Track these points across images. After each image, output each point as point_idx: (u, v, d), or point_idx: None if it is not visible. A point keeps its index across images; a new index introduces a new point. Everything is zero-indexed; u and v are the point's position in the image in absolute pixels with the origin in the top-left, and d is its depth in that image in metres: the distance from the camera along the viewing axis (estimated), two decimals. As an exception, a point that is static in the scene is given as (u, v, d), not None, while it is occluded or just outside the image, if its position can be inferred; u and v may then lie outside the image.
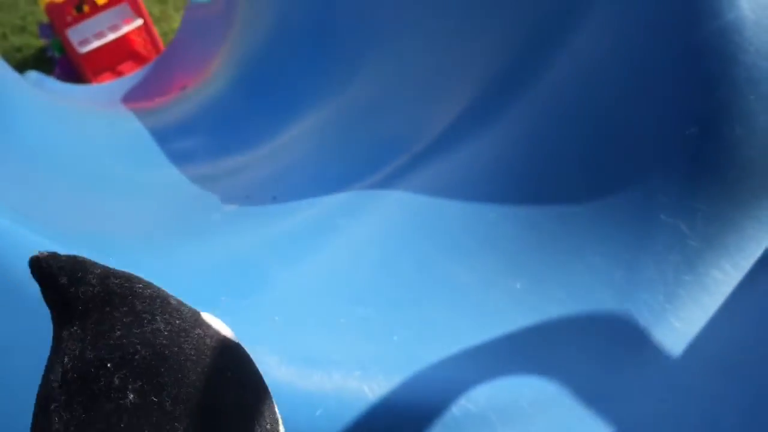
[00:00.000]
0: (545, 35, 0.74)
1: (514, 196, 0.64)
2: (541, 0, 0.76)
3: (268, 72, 1.40)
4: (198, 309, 0.35)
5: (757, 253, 0.56)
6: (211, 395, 0.32)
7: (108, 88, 2.53)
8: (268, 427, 0.35)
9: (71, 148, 1.11)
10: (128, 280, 0.32)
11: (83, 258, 0.32)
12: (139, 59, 3.13)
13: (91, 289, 0.30)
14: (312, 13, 1.39)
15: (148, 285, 0.33)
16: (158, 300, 0.32)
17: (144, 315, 0.31)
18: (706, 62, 0.60)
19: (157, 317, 0.31)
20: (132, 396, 0.28)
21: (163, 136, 1.34)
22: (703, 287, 0.55)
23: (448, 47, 0.90)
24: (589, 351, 0.54)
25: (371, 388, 0.50)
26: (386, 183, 0.74)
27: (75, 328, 0.30)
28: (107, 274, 0.31)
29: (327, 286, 0.60)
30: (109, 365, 0.29)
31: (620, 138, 0.63)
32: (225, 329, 0.37)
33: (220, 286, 0.59)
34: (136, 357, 0.29)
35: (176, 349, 0.31)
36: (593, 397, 0.51)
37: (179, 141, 1.32)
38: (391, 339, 0.55)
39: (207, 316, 0.35)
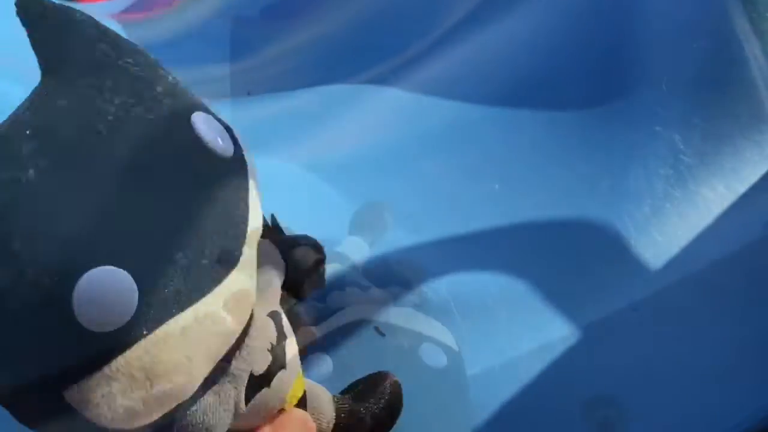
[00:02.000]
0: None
1: (504, 99, 0.60)
2: None
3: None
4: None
5: (753, 178, 0.53)
6: None
7: (102, 6, 2.45)
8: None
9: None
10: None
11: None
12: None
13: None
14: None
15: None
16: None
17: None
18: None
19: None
20: None
21: (149, 45, 1.30)
22: (692, 204, 0.52)
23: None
24: (563, 255, 0.51)
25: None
26: (374, 80, 0.70)
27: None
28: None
29: (293, 165, 0.57)
30: None
31: (624, 47, 0.59)
32: None
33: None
34: None
35: None
36: (561, 300, 0.48)
37: (164, 49, 1.27)
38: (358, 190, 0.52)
39: None
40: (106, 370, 0.22)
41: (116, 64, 0.25)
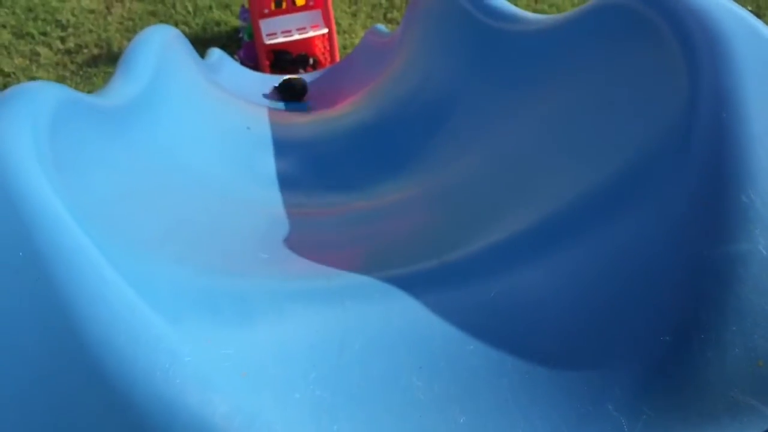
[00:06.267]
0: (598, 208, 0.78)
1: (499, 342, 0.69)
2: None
3: (392, 129, 1.50)
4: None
5: (685, 475, 0.58)
6: None
7: (273, 80, 2.71)
8: None
9: (192, 142, 1.25)
10: None
11: None
12: (315, 63, 3.33)
13: None
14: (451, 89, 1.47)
15: None
16: None
17: None
18: (702, 282, 0.63)
19: None
20: None
21: (282, 152, 1.47)
22: (618, 484, 0.58)
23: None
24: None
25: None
26: (415, 281, 0.80)
27: None
28: None
29: (310, 358, 0.68)
30: None
31: (608, 321, 0.67)
32: None
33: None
34: None
35: None
36: None
37: (292, 164, 1.44)
38: (332, 428, 0.62)
39: None
40: None
41: None
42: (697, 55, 0.73)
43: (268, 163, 1.42)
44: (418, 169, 1.32)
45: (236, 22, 3.53)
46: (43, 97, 0.78)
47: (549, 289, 0.73)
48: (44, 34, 3.42)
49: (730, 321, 0.61)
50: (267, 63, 3.09)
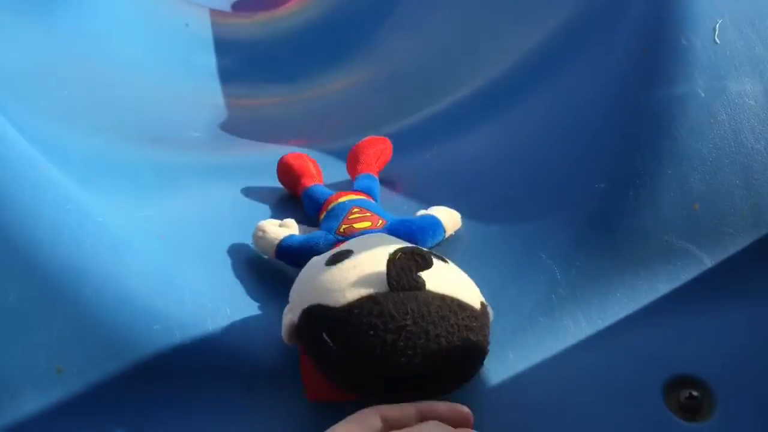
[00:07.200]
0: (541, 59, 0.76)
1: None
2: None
3: (340, 25, 1.45)
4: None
5: (616, 318, 0.57)
6: None
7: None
8: None
9: (125, 33, 1.18)
10: None
11: None
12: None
13: None
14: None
15: None
16: None
17: None
18: (638, 127, 0.61)
19: None
20: None
21: (223, 51, 1.41)
22: (552, 332, 0.56)
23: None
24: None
25: (214, 321, 0.55)
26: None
27: None
28: None
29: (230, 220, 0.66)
30: None
31: (545, 174, 0.65)
32: None
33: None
34: None
35: None
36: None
37: (233, 60, 1.39)
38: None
39: None
40: None
41: None
42: None
43: (207, 59, 1.36)
44: (362, 59, 1.28)
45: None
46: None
47: (485, 148, 0.70)
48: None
49: (666, 165, 0.59)
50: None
